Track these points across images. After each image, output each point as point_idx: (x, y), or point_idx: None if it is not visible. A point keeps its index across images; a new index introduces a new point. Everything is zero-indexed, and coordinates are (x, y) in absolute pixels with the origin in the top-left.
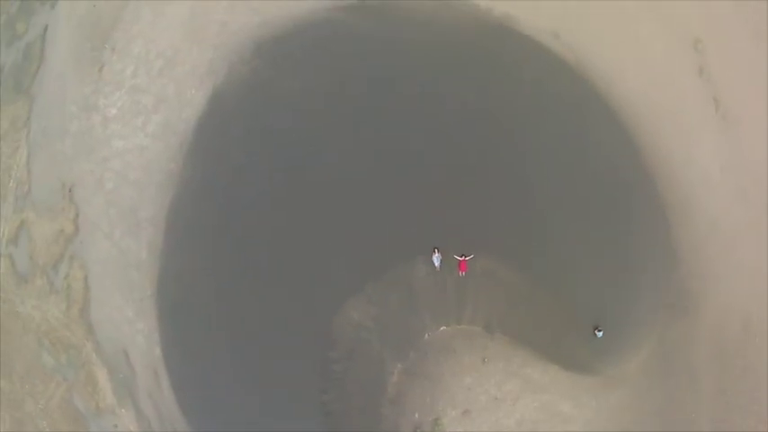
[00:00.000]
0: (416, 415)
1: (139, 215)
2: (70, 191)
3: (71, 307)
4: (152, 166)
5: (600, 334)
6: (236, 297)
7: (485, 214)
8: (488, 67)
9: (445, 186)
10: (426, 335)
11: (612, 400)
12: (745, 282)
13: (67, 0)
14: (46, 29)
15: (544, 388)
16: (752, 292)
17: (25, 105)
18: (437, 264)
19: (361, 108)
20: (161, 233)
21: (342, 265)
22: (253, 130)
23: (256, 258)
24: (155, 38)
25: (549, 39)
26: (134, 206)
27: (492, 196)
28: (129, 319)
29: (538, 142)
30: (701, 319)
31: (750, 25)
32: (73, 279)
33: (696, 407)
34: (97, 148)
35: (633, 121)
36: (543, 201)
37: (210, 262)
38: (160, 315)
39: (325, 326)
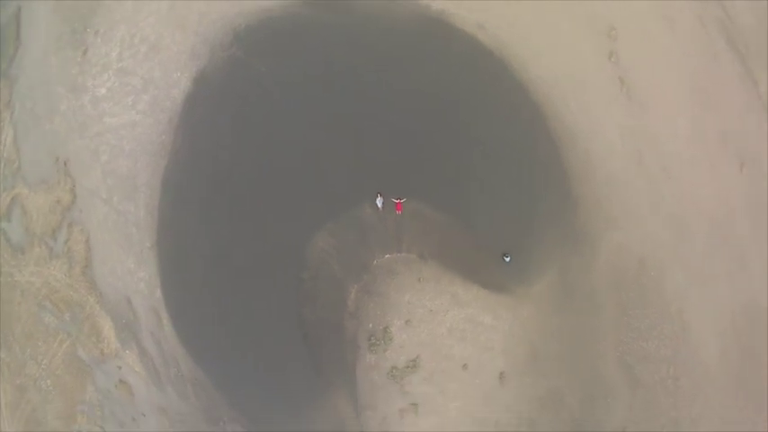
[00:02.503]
0: (370, 325)
1: (137, 181)
2: (65, 164)
3: (73, 268)
4: (144, 138)
5: (508, 260)
6: (223, 241)
7: (417, 167)
8: (427, 52)
9: (386, 146)
10: (375, 261)
11: (524, 313)
12: (640, 228)
13: None
14: (19, 11)
15: (468, 303)
16: (647, 236)
17: (6, 88)
18: (380, 205)
19: (321, 84)
20: (157, 195)
21: (308, 209)
22: (232, 105)
23: (239, 208)
24: (137, 23)
25: (476, 30)
26: (130, 174)
27: (423, 154)
28: (130, 270)
29: (463, 112)
30: (598, 255)
31: (665, 14)
32: (74, 243)
33: (599, 327)
34: (89, 125)
35: (544, 97)
36: (465, 157)
37: (201, 215)
38: (159, 263)
39: (297, 255)
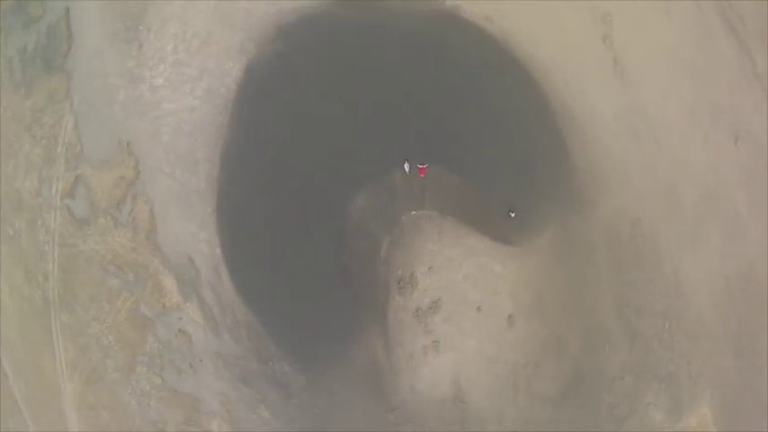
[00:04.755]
0: (399, 271)
1: (197, 156)
2: (127, 145)
3: (137, 234)
4: (202, 120)
5: (513, 215)
6: (275, 204)
7: (437, 139)
8: (443, 42)
9: (412, 122)
10: (402, 217)
11: (530, 264)
12: (633, 193)
13: None
14: (68, 11)
15: (481, 253)
16: (639, 201)
17: (62, 81)
18: (407, 170)
19: (355, 72)
20: (216, 168)
21: (348, 175)
22: (279, 90)
23: (288, 176)
24: (188, 21)
25: (484, 21)
26: (191, 150)
27: (442, 127)
28: (192, 233)
29: (475, 93)
30: (595, 215)
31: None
32: (138, 212)
33: (597, 279)
34: (148, 111)
35: (544, 79)
36: (476, 131)
37: (255, 183)
38: (219, 225)
39: (339, 213)
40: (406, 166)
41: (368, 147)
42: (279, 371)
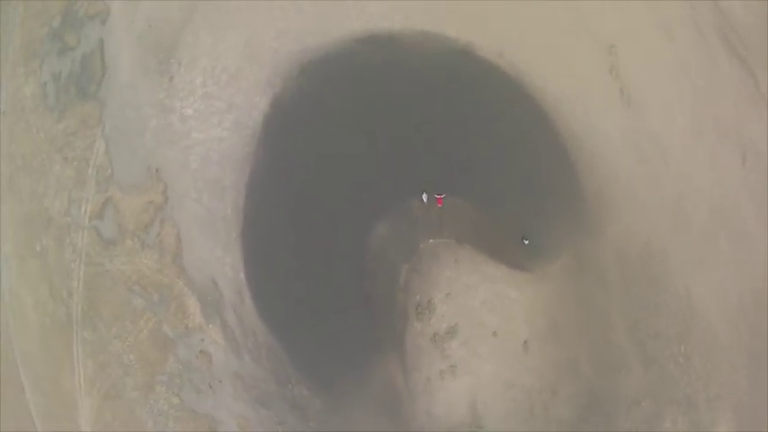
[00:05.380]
0: (417, 297)
1: (224, 183)
2: (157, 171)
3: (164, 257)
4: (230, 150)
5: (527, 242)
6: (299, 231)
7: (453, 170)
8: (457, 77)
9: (430, 154)
10: (421, 245)
11: (545, 289)
12: (642, 215)
13: (119, 17)
14: (102, 42)
15: (496, 279)
16: (649, 222)
17: (95, 108)
18: (425, 200)
19: (375, 106)
20: (242, 195)
21: (369, 204)
22: (303, 123)
23: (312, 205)
24: (218, 56)
25: (496, 57)
26: (218, 178)
27: (458, 159)
28: (218, 257)
29: (488, 125)
30: (605, 240)
31: (662, 27)
32: (165, 236)
33: (610, 303)
34: (178, 140)
35: (553, 108)
36: (490, 161)
37: (280, 210)
38: (244, 250)
39: (361, 241)
40: (424, 197)
41: (387, 177)
42: (297, 394)
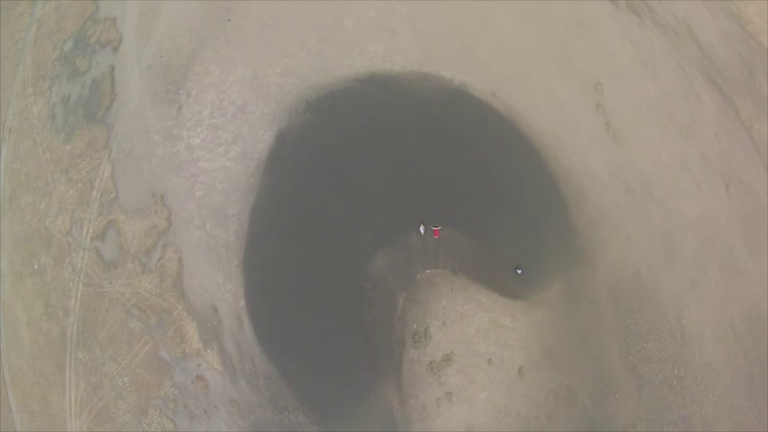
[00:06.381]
0: (414, 326)
1: (228, 212)
2: (162, 197)
3: (164, 281)
4: (235, 179)
5: (519, 272)
6: (300, 260)
7: (448, 203)
8: (452, 114)
9: (426, 187)
10: (417, 275)
11: (538, 317)
12: (631, 245)
13: (131, 46)
14: (113, 69)
15: (491, 308)
16: (638, 252)
17: (102, 131)
18: (422, 231)
19: (373, 142)
20: (245, 224)
21: (368, 235)
22: (307, 156)
23: (313, 235)
24: (225, 90)
25: (489, 96)
26: (222, 206)
27: (453, 192)
28: (218, 283)
29: (480, 161)
30: (596, 270)
31: (645, 65)
32: (166, 260)
33: (603, 329)
34: (184, 168)
35: (543, 144)
36: (484, 195)
37: (282, 240)
38: (245, 278)
39: (360, 271)
40: (421, 228)
41: (386, 210)
42: (294, 420)
